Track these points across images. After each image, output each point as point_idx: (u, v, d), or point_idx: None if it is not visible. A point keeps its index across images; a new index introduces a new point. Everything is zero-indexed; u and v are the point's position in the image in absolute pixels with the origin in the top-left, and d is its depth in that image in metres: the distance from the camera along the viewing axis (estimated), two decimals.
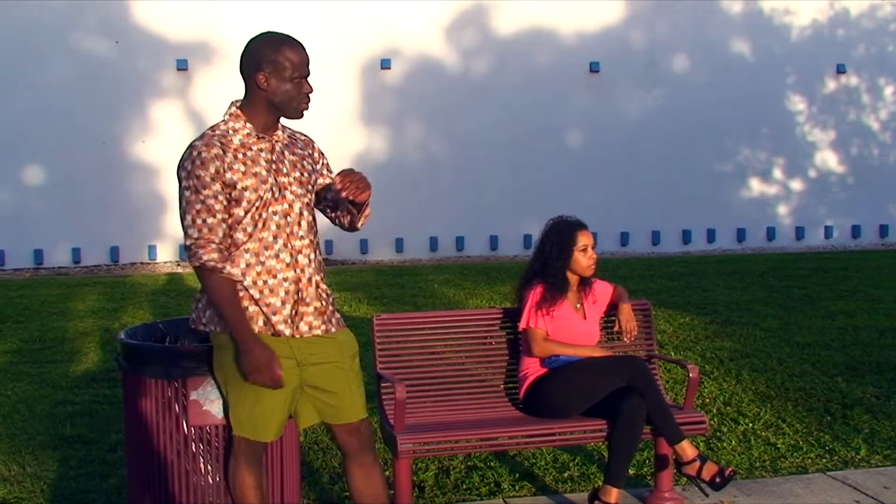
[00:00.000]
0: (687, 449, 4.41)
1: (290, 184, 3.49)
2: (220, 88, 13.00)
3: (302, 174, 3.54)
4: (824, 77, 15.01)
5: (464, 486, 4.95)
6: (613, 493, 4.34)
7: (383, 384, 4.58)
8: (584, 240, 4.80)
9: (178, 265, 13.03)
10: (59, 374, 7.00)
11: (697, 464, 4.40)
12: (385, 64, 13.56)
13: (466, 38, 13.95)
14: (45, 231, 12.83)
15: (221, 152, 3.38)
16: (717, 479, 4.35)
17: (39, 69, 12.76)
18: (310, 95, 3.50)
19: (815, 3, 14.86)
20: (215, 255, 3.35)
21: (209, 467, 3.67)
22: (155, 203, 13.15)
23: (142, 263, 13.11)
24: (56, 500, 4.79)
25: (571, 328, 4.76)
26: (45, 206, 12.82)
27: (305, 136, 3.71)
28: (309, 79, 3.49)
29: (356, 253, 13.44)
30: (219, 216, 3.36)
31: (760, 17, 14.79)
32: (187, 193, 3.37)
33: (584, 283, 4.90)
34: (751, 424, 5.86)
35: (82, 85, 12.86)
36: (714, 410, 6.11)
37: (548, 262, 4.80)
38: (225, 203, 3.38)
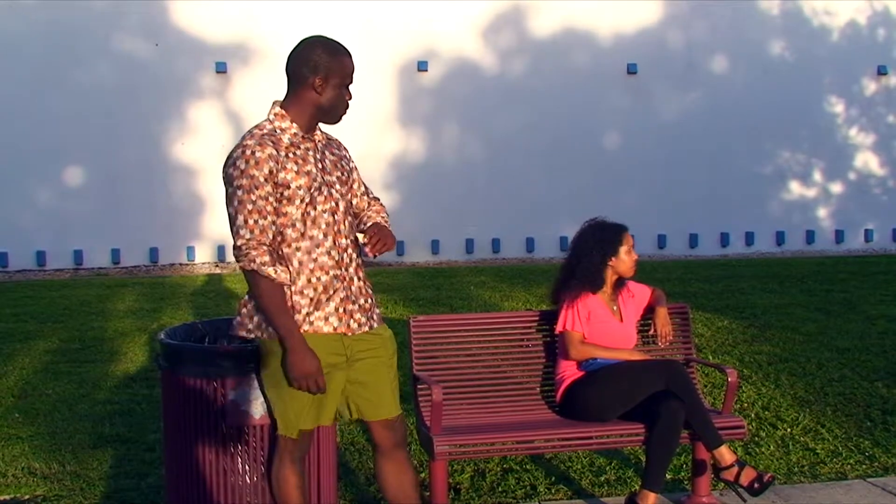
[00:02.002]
0: (725, 454, 4.38)
1: (334, 182, 3.53)
2: (258, 91, 13.08)
3: (342, 174, 3.59)
4: (865, 78, 14.84)
5: (499, 489, 4.94)
6: (651, 498, 4.32)
7: (420, 386, 4.59)
8: (629, 241, 4.80)
9: (217, 266, 13.12)
10: (98, 374, 7.07)
11: (736, 469, 4.37)
12: (422, 66, 13.58)
13: (503, 40, 13.93)
14: (85, 232, 12.96)
15: (275, 152, 3.38)
16: (756, 485, 4.32)
17: (79, 71, 12.90)
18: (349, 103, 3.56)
19: (855, 4, 14.70)
20: (267, 258, 3.35)
21: (247, 467, 3.69)
22: (194, 204, 13.25)
23: (180, 264, 13.21)
24: (95, 498, 4.84)
25: (608, 331, 4.74)
26: (85, 207, 12.96)
27: (335, 138, 3.74)
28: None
29: (392, 255, 13.45)
30: (269, 218, 3.37)
31: (800, 17, 14.64)
32: (239, 193, 3.35)
33: (620, 285, 4.88)
34: (789, 429, 5.80)
35: (122, 87, 12.98)
36: (752, 415, 6.06)
37: (586, 260, 4.78)
38: (275, 204, 3.39)
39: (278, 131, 3.46)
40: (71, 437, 5.72)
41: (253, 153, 3.35)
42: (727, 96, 14.33)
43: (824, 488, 4.93)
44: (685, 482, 4.99)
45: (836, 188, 14.85)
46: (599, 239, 4.79)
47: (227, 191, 3.40)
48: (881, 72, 14.78)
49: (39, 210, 12.89)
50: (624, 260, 4.78)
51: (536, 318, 4.97)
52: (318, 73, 3.44)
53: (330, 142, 3.66)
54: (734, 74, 14.43)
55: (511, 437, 4.46)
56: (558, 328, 4.73)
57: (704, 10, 14.31)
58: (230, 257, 13.29)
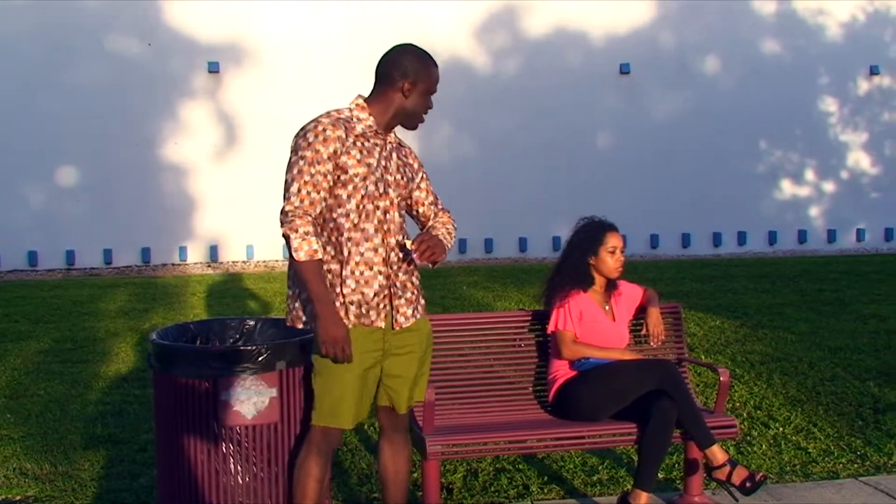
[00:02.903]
0: (717, 453, 4.38)
1: (392, 183, 3.65)
2: (250, 90, 13.10)
3: (402, 178, 3.71)
4: (857, 78, 14.88)
5: (492, 489, 4.94)
6: (643, 497, 4.32)
7: None
8: (612, 241, 4.77)
9: (209, 266, 13.11)
10: (90, 374, 7.05)
11: (728, 468, 4.37)
12: None
13: (496, 40, 13.95)
14: (77, 232, 12.94)
15: (344, 135, 3.52)
16: (748, 484, 4.32)
17: (72, 71, 12.88)
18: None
19: (847, 4, 14.74)
20: (311, 228, 3.45)
21: (239, 467, 3.69)
22: (186, 204, 13.24)
23: (173, 265, 13.20)
24: (87, 498, 4.82)
25: (601, 330, 4.74)
26: (76, 208, 12.94)
27: (408, 146, 3.86)
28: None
29: None
30: (322, 193, 3.49)
31: (793, 17, 14.68)
32: (301, 163, 3.48)
33: (612, 284, 4.87)
34: (781, 429, 5.81)
35: (114, 87, 12.97)
36: (744, 414, 6.07)
37: (571, 258, 4.79)
38: (331, 183, 3.50)
39: (354, 119, 3.61)
40: (63, 437, 5.71)
41: (324, 130, 3.50)
42: (720, 96, 14.36)
43: (816, 487, 4.94)
44: (677, 481, 4.99)
45: (829, 188, 14.89)
46: (583, 237, 4.80)
47: (290, 158, 3.52)
48: (873, 72, 14.83)
49: (31, 210, 12.87)
50: (605, 260, 4.76)
51: (529, 318, 4.96)
52: (408, 77, 3.62)
53: (401, 147, 3.80)
54: (727, 74, 14.46)
55: (503, 437, 4.45)
56: (550, 328, 4.73)
57: (697, 10, 14.34)
58: (222, 257, 13.29)
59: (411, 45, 3.73)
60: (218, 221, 13.27)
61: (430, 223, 3.87)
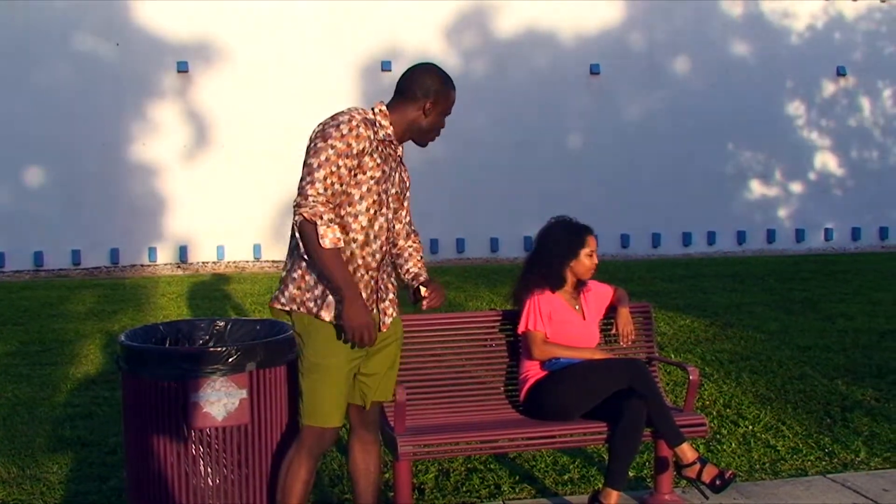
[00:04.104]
0: (687, 451, 4.40)
1: (394, 196, 3.73)
2: (220, 90, 13.03)
3: (400, 192, 3.78)
4: (824, 79, 15.02)
5: (464, 489, 4.94)
6: (614, 496, 4.33)
7: None
8: (592, 244, 4.80)
9: (178, 267, 13.03)
10: (58, 377, 6.99)
11: (697, 466, 4.39)
12: (385, 66, 13.55)
13: (467, 40, 13.95)
14: (45, 233, 12.82)
15: (372, 136, 3.57)
16: (717, 482, 4.34)
17: (40, 70, 12.76)
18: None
19: (814, 6, 14.87)
20: (333, 216, 3.46)
21: (209, 469, 3.67)
22: (155, 205, 13.16)
23: (141, 266, 13.11)
24: (56, 502, 4.78)
25: (571, 330, 4.75)
26: (45, 208, 12.83)
27: (405, 165, 3.89)
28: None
29: None
30: (344, 187, 3.51)
31: (760, 19, 14.79)
32: (330, 152, 3.47)
33: (581, 283, 4.89)
34: (751, 427, 5.85)
35: (83, 86, 12.86)
36: (714, 413, 6.10)
37: (547, 258, 4.78)
38: (350, 180, 3.52)
39: (378, 125, 3.64)
40: (30, 440, 5.66)
41: (357, 126, 3.52)
42: (689, 97, 14.44)
43: (785, 485, 4.98)
44: (648, 480, 5.01)
45: (797, 188, 15.02)
46: (561, 239, 4.80)
47: (316, 144, 3.50)
48: (840, 73, 14.96)
49: None
50: (583, 263, 4.78)
51: (500, 318, 4.97)
52: (430, 97, 3.70)
53: (402, 163, 3.85)
54: (696, 75, 14.55)
55: (475, 437, 4.45)
56: (521, 328, 4.73)
57: (666, 12, 14.42)
58: (192, 258, 13.21)
59: (435, 65, 3.83)
60: (188, 222, 13.19)
61: (402, 244, 3.92)
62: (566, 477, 5.09)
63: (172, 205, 13.14)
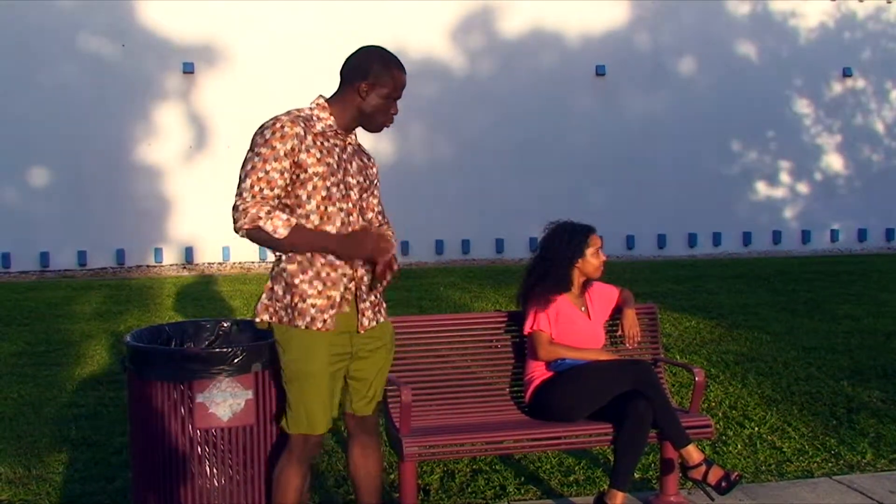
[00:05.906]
0: (693, 453, 4.40)
1: (354, 186, 3.60)
2: (225, 91, 13.04)
3: (364, 181, 3.67)
4: (831, 80, 15.00)
5: (469, 490, 4.94)
6: (619, 497, 4.33)
7: (389, 387, 4.57)
8: (596, 241, 4.81)
9: (184, 268, 13.04)
10: (64, 377, 7.00)
11: (703, 468, 4.39)
12: None
13: (472, 41, 13.95)
14: (51, 233, 12.84)
15: (303, 133, 3.46)
16: (723, 484, 4.34)
17: (46, 71, 12.78)
18: (394, 117, 3.66)
19: (821, 6, 14.85)
20: (269, 206, 3.39)
21: (214, 470, 3.67)
22: (161, 206, 13.17)
23: (147, 266, 13.12)
24: (61, 502, 4.79)
25: (576, 330, 4.75)
26: (50, 209, 12.84)
27: (368, 152, 3.81)
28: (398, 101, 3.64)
29: None
30: (276, 191, 3.43)
31: (767, 19, 14.77)
32: (255, 159, 3.41)
33: (587, 284, 4.89)
34: (756, 428, 5.84)
35: (88, 87, 12.88)
36: (720, 414, 6.10)
37: (553, 261, 4.78)
38: (287, 181, 3.44)
39: (314, 118, 3.56)
40: (36, 440, 5.66)
41: (282, 126, 3.44)
42: (695, 98, 14.43)
43: (791, 486, 4.97)
44: (653, 481, 5.00)
45: (803, 189, 15.00)
46: (566, 240, 4.79)
47: (246, 154, 3.45)
48: (846, 73, 14.94)
49: (4, 211, 12.75)
50: (590, 261, 4.78)
51: (506, 319, 4.97)
52: (367, 79, 3.55)
53: (362, 150, 3.74)
54: (702, 76, 14.53)
55: (480, 438, 4.45)
56: (526, 329, 4.73)
57: (672, 12, 14.41)
58: (197, 259, 13.22)
59: (376, 46, 3.66)
60: (193, 223, 13.20)
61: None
62: (571, 478, 5.08)
63: (178, 205, 13.16)
